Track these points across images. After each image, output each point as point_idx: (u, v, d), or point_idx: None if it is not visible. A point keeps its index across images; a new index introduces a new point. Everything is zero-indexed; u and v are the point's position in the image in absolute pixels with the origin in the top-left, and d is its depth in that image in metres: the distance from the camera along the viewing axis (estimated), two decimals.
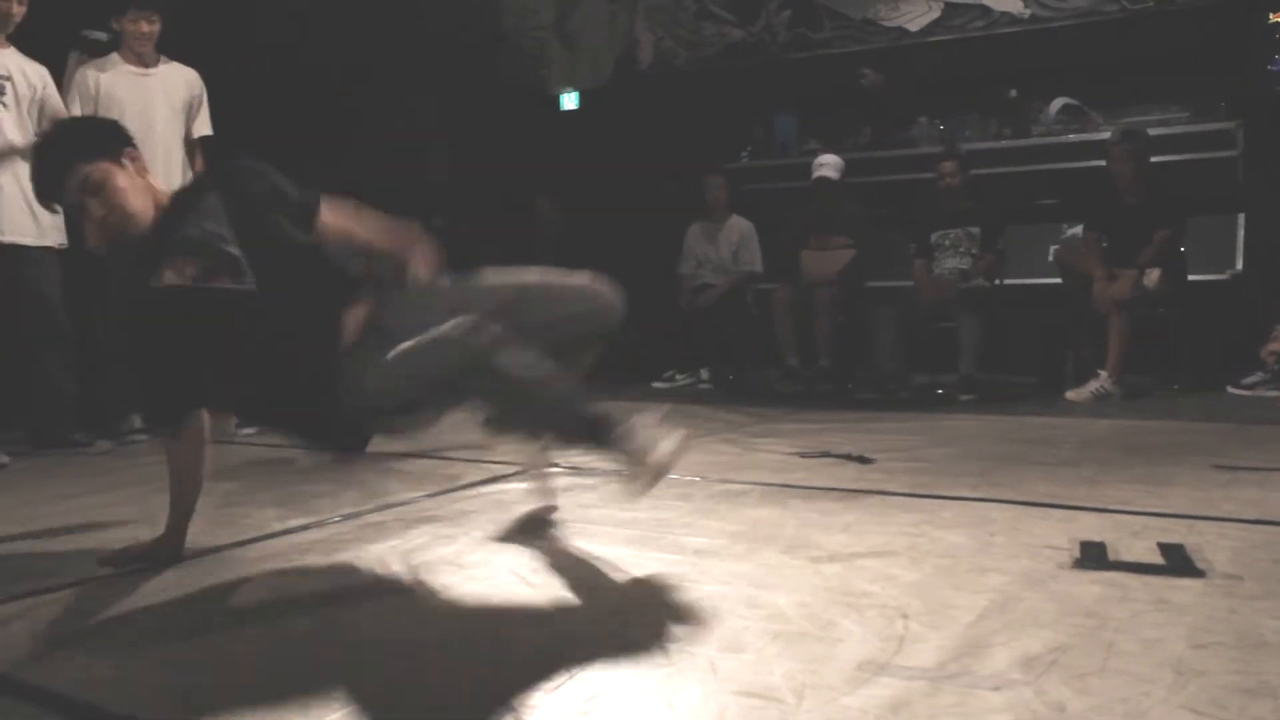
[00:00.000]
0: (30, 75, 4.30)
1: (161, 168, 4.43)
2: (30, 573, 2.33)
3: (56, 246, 4.32)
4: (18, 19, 4.22)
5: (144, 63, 4.66)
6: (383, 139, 7.23)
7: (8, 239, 4.15)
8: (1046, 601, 1.88)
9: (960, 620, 1.79)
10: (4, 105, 4.19)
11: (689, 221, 6.78)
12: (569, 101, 8.34)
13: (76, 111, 4.41)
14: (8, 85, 4.20)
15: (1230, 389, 5.11)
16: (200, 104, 4.84)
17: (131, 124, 4.50)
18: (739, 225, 6.60)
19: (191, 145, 4.82)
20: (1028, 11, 6.70)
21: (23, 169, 4.14)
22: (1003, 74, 6.60)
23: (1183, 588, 1.94)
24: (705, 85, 7.59)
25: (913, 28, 7.08)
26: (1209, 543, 2.25)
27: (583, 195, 7.25)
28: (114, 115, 4.24)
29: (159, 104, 4.67)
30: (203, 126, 4.84)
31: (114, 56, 4.62)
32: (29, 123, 4.28)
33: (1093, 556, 2.18)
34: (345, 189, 2.42)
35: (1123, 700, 1.43)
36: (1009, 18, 6.76)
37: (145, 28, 4.60)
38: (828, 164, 6.21)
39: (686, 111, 7.32)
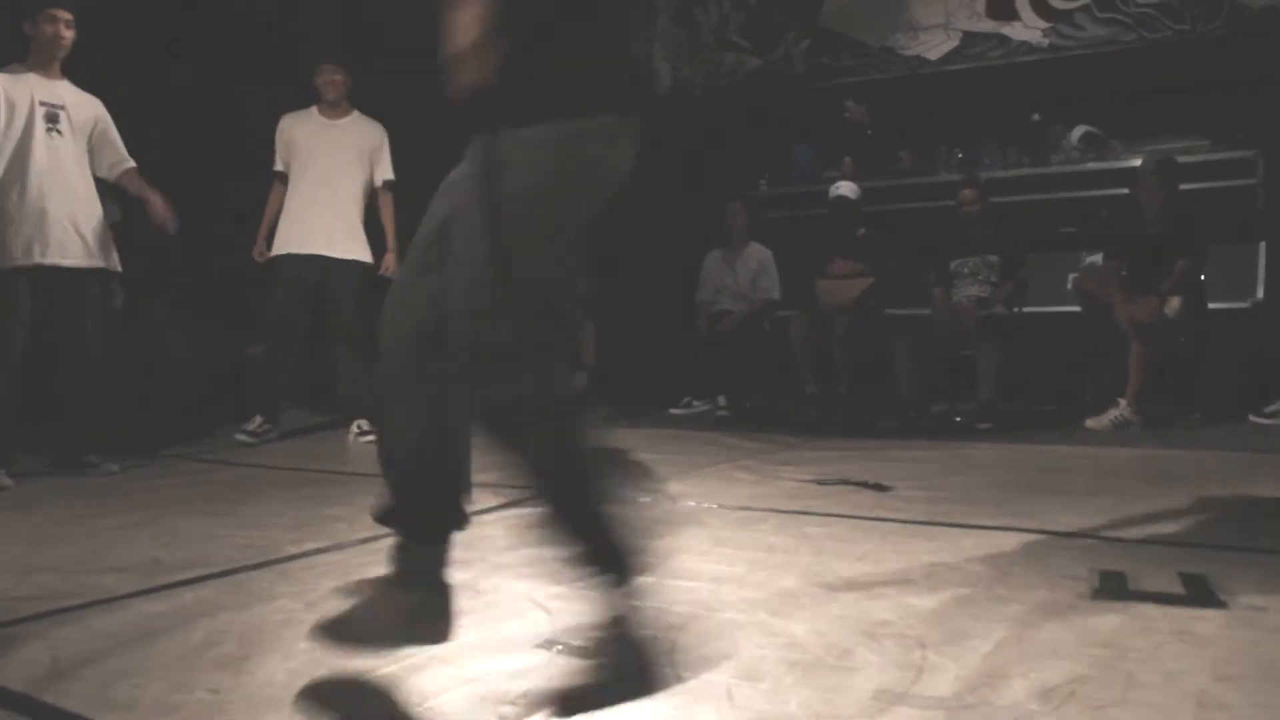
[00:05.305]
0: (84, 108, 4.37)
1: (342, 208, 5.28)
2: (47, 592, 2.34)
3: (108, 268, 4.40)
4: (68, 44, 4.27)
5: (334, 113, 5.36)
6: (414, 169, 7.31)
7: (49, 260, 4.20)
8: (1065, 632, 1.87)
9: (978, 650, 1.78)
10: (59, 133, 4.26)
11: (707, 249, 6.80)
12: None
13: (281, 154, 5.32)
14: (62, 114, 4.29)
15: (1252, 418, 5.07)
16: (382, 152, 5.45)
17: (317, 169, 5.18)
18: (757, 253, 6.62)
19: (373, 190, 5.44)
20: (1046, 40, 6.72)
21: (75, 193, 4.27)
22: (1021, 102, 6.61)
23: (1205, 618, 1.92)
24: (723, 114, 7.61)
25: (931, 56, 7.11)
26: (1231, 573, 2.23)
27: (602, 222, 7.27)
28: (301, 160, 5.28)
29: (341, 153, 5.31)
30: (384, 172, 5.44)
31: (312, 109, 5.37)
32: (84, 153, 4.37)
33: (1112, 586, 2.16)
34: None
35: None
36: (1027, 46, 6.78)
37: (334, 79, 5.31)
38: (844, 186, 6.29)
39: (704, 140, 7.33)
